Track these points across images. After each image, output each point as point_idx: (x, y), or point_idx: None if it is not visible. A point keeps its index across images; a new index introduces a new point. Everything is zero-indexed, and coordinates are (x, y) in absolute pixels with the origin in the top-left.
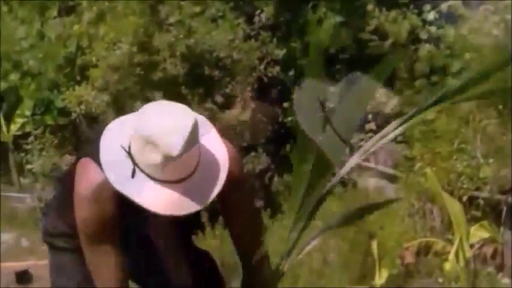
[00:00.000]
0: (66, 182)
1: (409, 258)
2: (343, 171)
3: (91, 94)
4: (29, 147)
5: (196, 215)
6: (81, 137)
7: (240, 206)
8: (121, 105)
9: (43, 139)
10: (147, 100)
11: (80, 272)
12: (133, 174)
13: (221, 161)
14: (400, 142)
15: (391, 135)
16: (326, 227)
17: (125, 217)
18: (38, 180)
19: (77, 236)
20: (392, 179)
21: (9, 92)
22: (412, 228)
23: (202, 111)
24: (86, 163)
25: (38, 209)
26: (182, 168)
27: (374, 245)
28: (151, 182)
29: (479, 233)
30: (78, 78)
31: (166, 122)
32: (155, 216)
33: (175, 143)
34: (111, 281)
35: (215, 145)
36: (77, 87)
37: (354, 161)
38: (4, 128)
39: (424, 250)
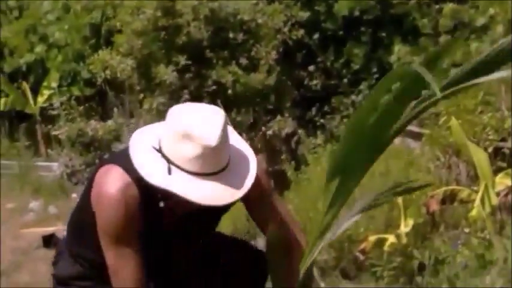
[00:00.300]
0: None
1: (434, 206)
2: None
3: (116, 59)
4: (55, 112)
5: (217, 218)
6: (107, 106)
7: (261, 192)
8: (146, 70)
9: (69, 107)
10: (172, 64)
11: None
12: (169, 171)
13: (249, 155)
14: None
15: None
16: (358, 210)
17: (146, 221)
18: (65, 147)
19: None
20: (418, 137)
21: (35, 65)
22: (438, 179)
23: (227, 74)
24: (110, 167)
25: (64, 177)
26: (218, 160)
27: None
28: (190, 176)
29: (504, 181)
30: (104, 46)
31: (199, 116)
32: (175, 220)
33: (213, 134)
34: (131, 283)
35: (240, 142)
36: (100, 52)
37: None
38: (31, 100)
39: (449, 198)
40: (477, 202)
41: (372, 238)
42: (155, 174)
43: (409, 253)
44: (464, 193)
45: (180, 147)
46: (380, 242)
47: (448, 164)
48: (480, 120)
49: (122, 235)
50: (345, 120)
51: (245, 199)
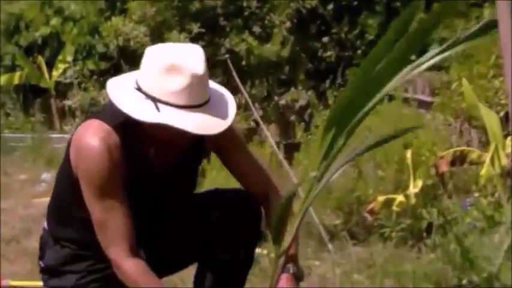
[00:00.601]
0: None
1: (444, 167)
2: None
3: (128, 26)
4: (67, 81)
5: (195, 169)
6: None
7: (235, 143)
8: (158, 37)
9: (83, 76)
10: (185, 31)
11: None
12: (157, 108)
13: (224, 91)
14: (440, 69)
15: (425, 65)
16: (354, 154)
17: (131, 170)
18: (77, 118)
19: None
20: (430, 107)
21: (51, 38)
22: (448, 141)
23: (240, 42)
24: (85, 123)
25: None
26: (204, 91)
27: (408, 154)
28: (178, 110)
29: None
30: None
31: (180, 49)
32: (158, 168)
33: (198, 63)
34: (121, 234)
35: (212, 82)
36: (113, 18)
37: (389, 88)
38: (46, 74)
39: (459, 160)
40: (487, 162)
41: (381, 198)
42: (143, 112)
43: (418, 214)
44: (474, 154)
45: (165, 82)
46: (388, 203)
47: (459, 129)
48: (492, 84)
49: (108, 185)
50: None
51: (222, 150)
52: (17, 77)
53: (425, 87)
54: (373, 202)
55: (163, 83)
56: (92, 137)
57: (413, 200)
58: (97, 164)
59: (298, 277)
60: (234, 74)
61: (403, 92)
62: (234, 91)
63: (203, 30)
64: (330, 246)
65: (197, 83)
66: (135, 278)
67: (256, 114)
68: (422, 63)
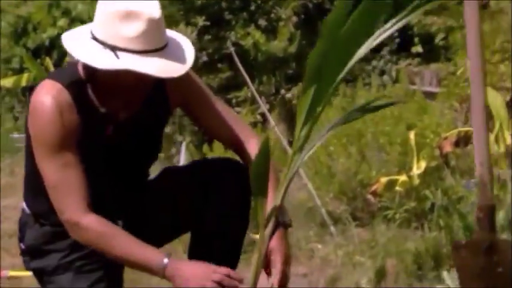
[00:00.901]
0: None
1: (448, 148)
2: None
3: None
4: None
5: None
6: None
7: (202, 96)
8: None
9: None
10: (191, 25)
11: None
12: (116, 55)
13: (180, 37)
14: (448, 60)
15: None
16: (332, 125)
17: (85, 130)
18: None
19: None
20: (435, 97)
21: (58, 39)
22: (452, 123)
23: (246, 36)
24: (41, 83)
25: None
26: (161, 35)
27: (412, 135)
28: (137, 55)
29: None
30: None
31: None
32: (118, 127)
33: (153, 7)
34: (77, 192)
35: (172, 32)
36: None
37: (362, 51)
38: None
39: (463, 140)
40: (492, 139)
41: (384, 180)
42: (103, 61)
43: (421, 196)
44: None
45: (122, 29)
46: (391, 184)
47: (464, 115)
48: (497, 69)
49: (60, 142)
50: (366, 87)
51: (190, 105)
52: (24, 79)
53: (432, 78)
54: (376, 184)
55: (119, 30)
56: (44, 95)
57: (416, 181)
58: (48, 121)
59: (286, 225)
60: (240, 66)
61: (409, 85)
62: (241, 85)
63: (208, 23)
64: (332, 228)
65: (154, 28)
66: (100, 230)
67: (264, 106)
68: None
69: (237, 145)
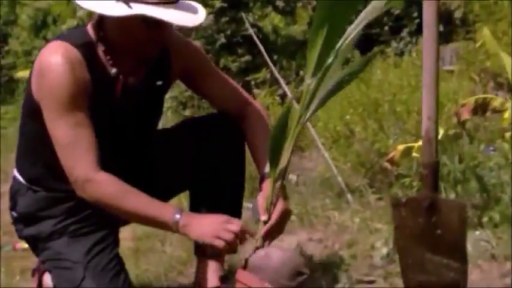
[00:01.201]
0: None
1: (466, 115)
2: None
3: None
4: None
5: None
6: None
7: (205, 65)
8: None
9: None
10: (208, 7)
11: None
12: (129, 6)
13: (194, 2)
14: (468, 39)
15: None
16: (340, 81)
17: (96, 91)
18: None
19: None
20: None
21: None
22: (470, 92)
23: (264, 18)
24: (47, 45)
25: None
26: None
27: None
28: (151, 6)
29: None
30: None
31: None
32: (125, 90)
33: None
34: (90, 150)
35: None
36: None
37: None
38: None
39: (481, 108)
40: (510, 105)
41: (401, 147)
42: (116, 9)
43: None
44: (497, 101)
45: None
46: (408, 151)
47: (484, 85)
48: None
49: (73, 100)
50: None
51: (192, 75)
52: None
53: (452, 57)
54: (393, 151)
55: None
56: (51, 54)
57: None
58: (60, 78)
59: (285, 196)
60: (261, 47)
61: None
62: (259, 67)
63: (225, 5)
64: (349, 197)
65: None
66: (113, 186)
67: (285, 86)
68: None
69: (240, 117)
